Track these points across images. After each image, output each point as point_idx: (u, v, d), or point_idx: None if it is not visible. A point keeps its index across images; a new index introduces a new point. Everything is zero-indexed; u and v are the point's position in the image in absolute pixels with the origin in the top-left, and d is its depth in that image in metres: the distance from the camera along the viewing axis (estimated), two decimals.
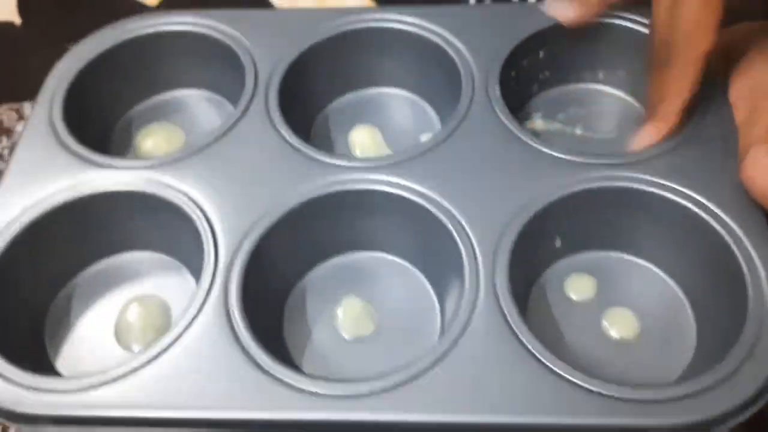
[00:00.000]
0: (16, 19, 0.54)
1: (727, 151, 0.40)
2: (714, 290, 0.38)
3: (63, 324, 0.42)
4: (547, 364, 0.34)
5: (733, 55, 0.43)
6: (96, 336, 0.42)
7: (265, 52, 0.48)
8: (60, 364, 0.41)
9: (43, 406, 0.35)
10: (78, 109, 0.47)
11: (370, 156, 0.46)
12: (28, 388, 0.35)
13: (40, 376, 0.36)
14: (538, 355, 0.34)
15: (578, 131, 0.47)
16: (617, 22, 0.46)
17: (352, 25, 0.49)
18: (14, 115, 0.43)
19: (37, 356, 0.40)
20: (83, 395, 0.35)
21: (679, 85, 0.41)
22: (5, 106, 0.51)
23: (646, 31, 0.45)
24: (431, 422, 0.33)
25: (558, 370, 0.34)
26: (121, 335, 0.42)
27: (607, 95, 0.49)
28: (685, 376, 0.37)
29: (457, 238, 0.39)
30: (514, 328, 0.35)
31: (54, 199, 0.42)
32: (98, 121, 0.49)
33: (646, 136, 0.41)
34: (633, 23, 0.46)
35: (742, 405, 0.33)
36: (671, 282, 0.41)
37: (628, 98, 0.48)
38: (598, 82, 0.49)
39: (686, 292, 0.40)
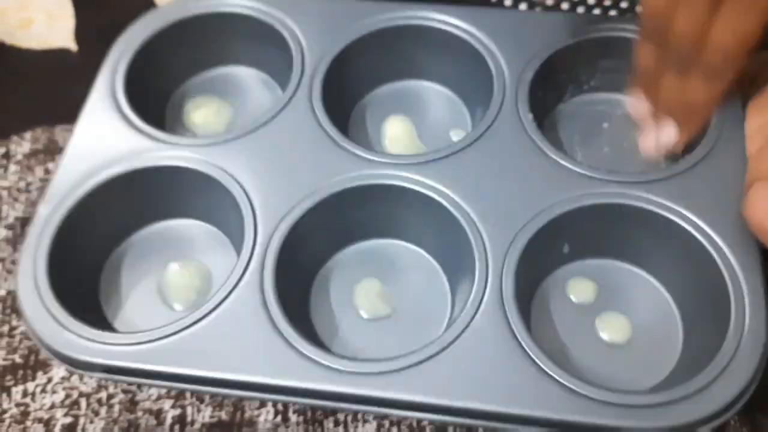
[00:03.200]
0: (73, 46, 0.58)
1: (737, 181, 0.42)
2: (703, 308, 0.42)
3: (115, 281, 0.47)
4: (540, 363, 0.38)
5: (758, 83, 0.44)
6: (143, 293, 0.47)
7: (312, 41, 0.51)
8: (111, 317, 0.46)
9: (97, 355, 0.40)
10: (138, 80, 0.52)
11: (400, 151, 0.50)
12: (87, 339, 0.41)
13: (96, 329, 0.41)
14: (530, 352, 0.39)
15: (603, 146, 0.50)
16: None
17: (397, 21, 0.52)
18: (69, 136, 0.48)
19: (92, 308, 0.46)
20: (132, 349, 0.40)
21: (706, 100, 0.42)
22: (60, 127, 0.56)
23: None
24: (431, 404, 0.38)
25: (551, 372, 0.38)
26: (164, 294, 0.47)
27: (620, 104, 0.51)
28: (665, 383, 0.41)
29: (471, 239, 0.42)
30: (513, 326, 0.39)
31: (113, 169, 0.46)
32: (156, 91, 0.54)
33: (664, 144, 0.44)
34: None
35: (712, 415, 0.36)
36: (666, 294, 0.44)
37: None
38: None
39: (678, 306, 0.44)
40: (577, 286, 0.45)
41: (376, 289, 0.46)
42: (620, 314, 0.44)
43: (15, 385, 0.43)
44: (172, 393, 0.45)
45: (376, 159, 0.46)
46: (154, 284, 0.47)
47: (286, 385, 0.39)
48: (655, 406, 0.37)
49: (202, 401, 0.43)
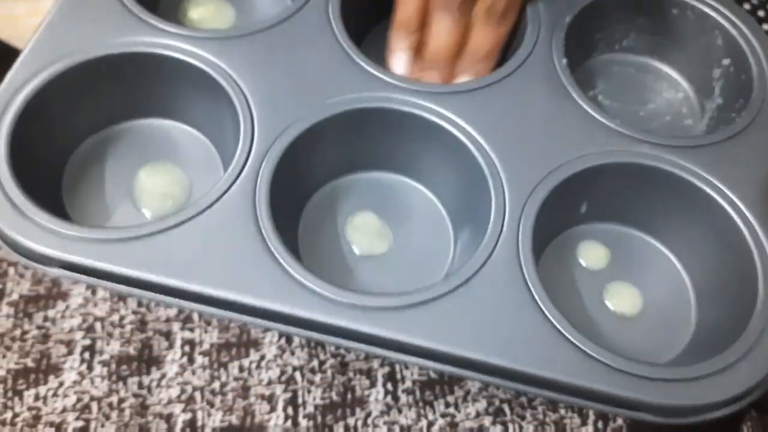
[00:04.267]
0: None
1: None
2: (722, 286, 0.39)
3: (81, 177, 0.42)
4: (553, 321, 0.35)
5: None
6: (111, 194, 0.42)
7: None
8: (73, 215, 0.41)
9: (57, 248, 0.35)
10: None
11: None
12: (48, 230, 0.35)
13: (63, 222, 0.36)
14: (544, 308, 0.35)
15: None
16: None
17: None
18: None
19: (52, 202, 0.40)
20: (95, 246, 0.35)
21: (492, 45, 0.42)
22: None
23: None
24: (430, 349, 0.34)
25: (562, 329, 0.35)
26: (135, 197, 0.42)
27: (657, 71, 0.49)
28: (677, 361, 0.38)
29: (490, 181, 0.39)
30: (527, 278, 0.36)
31: (93, 50, 0.41)
32: None
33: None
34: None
35: (730, 399, 0.34)
36: (681, 269, 0.42)
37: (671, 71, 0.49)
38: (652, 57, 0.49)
39: (693, 282, 0.41)
40: (589, 250, 0.42)
41: (372, 224, 0.42)
42: (631, 285, 0.41)
43: (27, 388, 0.42)
44: (147, 303, 0.43)
45: (393, 81, 0.41)
46: (124, 186, 0.42)
47: (275, 309, 0.34)
48: (675, 381, 0.34)
49: (212, 405, 0.42)
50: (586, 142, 0.40)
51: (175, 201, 0.42)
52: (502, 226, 0.38)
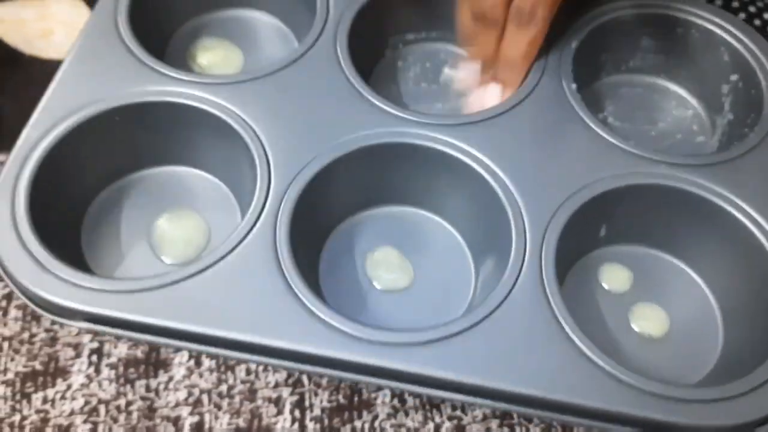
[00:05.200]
0: None
1: None
2: (747, 302, 0.39)
3: (100, 226, 0.42)
4: (581, 346, 0.35)
5: None
6: (130, 242, 0.42)
7: None
8: (93, 266, 0.41)
9: (81, 301, 0.35)
10: (139, 12, 0.46)
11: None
12: (71, 283, 0.35)
13: (85, 275, 0.36)
14: (573, 336, 0.35)
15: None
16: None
17: None
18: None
19: (72, 253, 0.40)
20: (120, 297, 0.35)
21: (521, 51, 0.42)
22: None
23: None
24: (460, 382, 0.34)
25: (592, 355, 0.34)
26: (155, 245, 0.42)
27: (665, 90, 0.49)
28: (706, 381, 0.38)
29: (509, 210, 0.39)
30: (554, 306, 0.36)
31: (109, 101, 0.41)
32: (159, 26, 0.48)
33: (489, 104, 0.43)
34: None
35: (763, 419, 0.33)
36: (705, 287, 0.42)
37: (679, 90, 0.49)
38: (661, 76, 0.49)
39: (718, 300, 0.41)
40: (611, 273, 0.42)
41: (392, 259, 0.42)
42: (657, 306, 0.41)
43: (35, 391, 0.42)
44: (171, 353, 0.42)
45: (405, 116, 0.42)
46: (144, 234, 0.42)
47: (301, 350, 0.34)
48: (707, 402, 0.33)
49: (219, 408, 0.42)
50: (602, 165, 0.40)
51: (195, 247, 0.42)
52: (524, 255, 0.37)
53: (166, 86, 0.42)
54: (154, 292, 0.35)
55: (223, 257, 0.36)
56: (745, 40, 0.45)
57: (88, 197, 0.42)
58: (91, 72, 0.42)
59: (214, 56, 0.49)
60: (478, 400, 0.34)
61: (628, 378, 0.34)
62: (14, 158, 0.38)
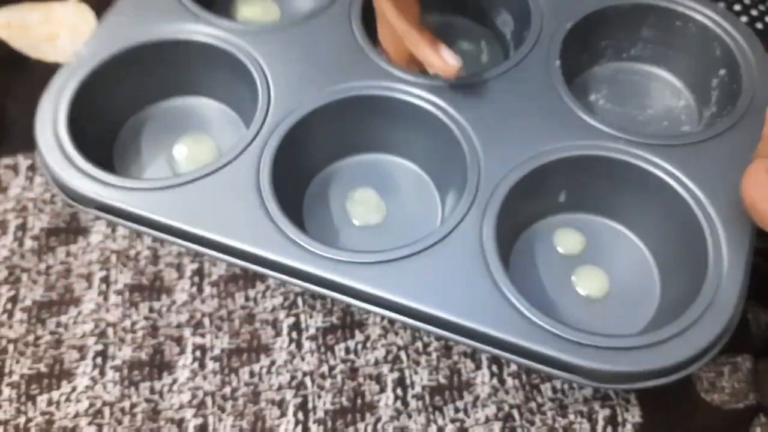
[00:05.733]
0: None
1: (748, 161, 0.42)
2: (680, 263, 0.42)
3: (128, 147, 0.49)
4: (503, 288, 0.39)
5: None
6: (153, 161, 0.49)
7: None
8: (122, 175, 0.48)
9: (94, 192, 0.43)
10: None
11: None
12: (89, 176, 0.43)
13: (102, 171, 0.43)
14: (497, 277, 0.39)
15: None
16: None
17: None
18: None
19: (106, 163, 0.48)
20: (125, 192, 0.42)
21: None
22: None
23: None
24: (393, 301, 0.39)
25: (510, 296, 0.38)
26: (172, 164, 0.49)
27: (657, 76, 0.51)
28: (645, 331, 0.41)
29: (468, 159, 0.43)
30: (486, 250, 0.40)
31: (148, 35, 0.48)
32: None
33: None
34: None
35: (700, 352, 0.37)
36: (647, 253, 0.44)
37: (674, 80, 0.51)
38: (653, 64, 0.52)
39: (659, 268, 0.44)
40: (565, 237, 0.45)
41: (371, 198, 0.47)
42: (598, 268, 0.44)
43: (40, 393, 0.43)
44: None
45: (397, 74, 0.47)
46: (164, 154, 0.49)
47: (258, 253, 0.40)
48: (642, 348, 0.37)
49: (223, 410, 0.43)
50: (565, 135, 0.44)
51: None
52: (473, 201, 0.42)
53: (200, 27, 0.49)
54: (153, 192, 0.42)
55: (213, 171, 0.43)
56: (737, 36, 0.47)
57: (120, 119, 0.50)
58: (135, 13, 0.49)
59: (254, 10, 0.55)
60: (402, 318, 0.39)
61: (542, 322, 0.37)
62: (63, 71, 0.46)
